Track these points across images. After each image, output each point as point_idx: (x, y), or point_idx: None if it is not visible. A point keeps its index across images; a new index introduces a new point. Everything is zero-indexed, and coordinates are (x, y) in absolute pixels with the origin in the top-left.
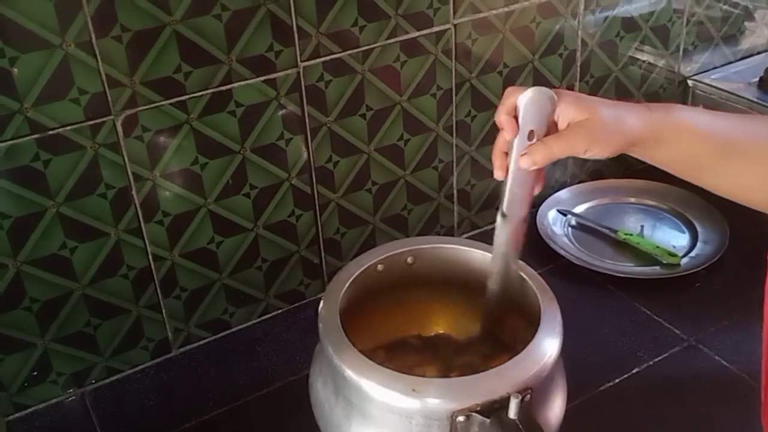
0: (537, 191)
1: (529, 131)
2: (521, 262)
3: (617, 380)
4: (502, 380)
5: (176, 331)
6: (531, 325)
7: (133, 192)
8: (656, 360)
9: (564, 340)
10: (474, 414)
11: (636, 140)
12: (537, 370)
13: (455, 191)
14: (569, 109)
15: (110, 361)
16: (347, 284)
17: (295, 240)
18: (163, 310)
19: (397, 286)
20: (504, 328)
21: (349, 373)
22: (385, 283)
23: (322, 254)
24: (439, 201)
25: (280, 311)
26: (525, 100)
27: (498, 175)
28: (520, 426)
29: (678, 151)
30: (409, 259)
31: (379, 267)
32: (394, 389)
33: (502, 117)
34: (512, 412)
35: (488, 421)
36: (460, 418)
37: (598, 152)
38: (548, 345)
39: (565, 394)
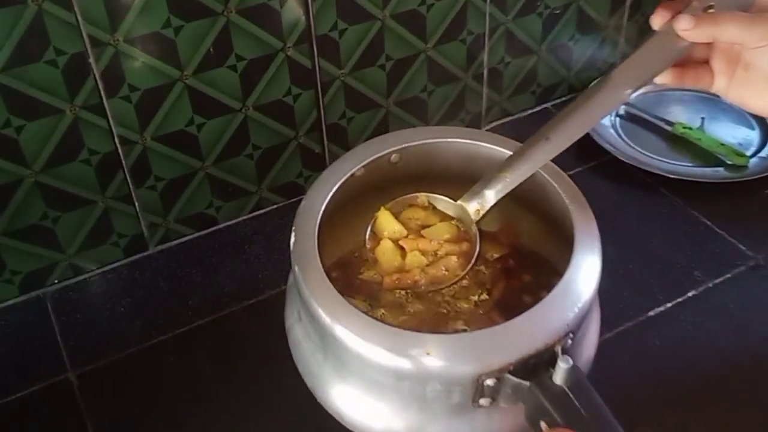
0: None
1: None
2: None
3: (669, 305)
4: (535, 329)
5: (152, 226)
6: (552, 227)
7: (91, 60)
8: (716, 282)
9: (603, 254)
10: (507, 375)
11: None
12: (578, 311)
13: (485, 70)
14: None
15: (75, 259)
16: (320, 212)
17: (292, 124)
18: (136, 203)
19: (380, 188)
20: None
21: (342, 337)
22: (365, 188)
23: (325, 142)
24: (466, 81)
25: (275, 206)
26: None
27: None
28: (570, 393)
29: None
30: (393, 157)
31: (358, 173)
32: (400, 354)
33: None
34: (558, 378)
35: (528, 384)
36: (489, 382)
37: None
38: (587, 276)
39: (599, 324)
